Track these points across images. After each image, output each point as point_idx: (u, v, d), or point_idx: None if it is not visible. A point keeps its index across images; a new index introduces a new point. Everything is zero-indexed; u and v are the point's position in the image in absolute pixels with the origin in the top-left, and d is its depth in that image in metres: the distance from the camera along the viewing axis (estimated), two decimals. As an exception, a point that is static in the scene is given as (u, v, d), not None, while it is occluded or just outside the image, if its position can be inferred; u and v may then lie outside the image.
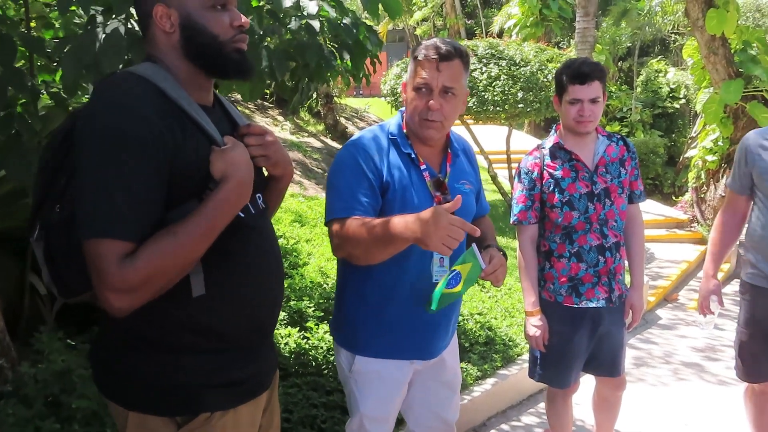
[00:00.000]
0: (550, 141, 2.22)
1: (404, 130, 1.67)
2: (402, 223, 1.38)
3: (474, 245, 1.52)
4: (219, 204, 1.11)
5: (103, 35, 1.74)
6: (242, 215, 1.21)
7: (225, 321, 1.20)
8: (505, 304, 4.09)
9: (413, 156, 1.64)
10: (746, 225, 2.31)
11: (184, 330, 1.16)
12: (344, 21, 2.43)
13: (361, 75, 2.68)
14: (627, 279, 2.30)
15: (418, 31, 20.42)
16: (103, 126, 1.06)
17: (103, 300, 1.04)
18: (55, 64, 2.35)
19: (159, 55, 1.19)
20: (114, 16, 1.80)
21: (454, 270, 1.50)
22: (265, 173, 1.41)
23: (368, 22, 2.78)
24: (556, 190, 2.14)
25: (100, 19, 1.81)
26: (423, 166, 1.64)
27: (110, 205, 1.03)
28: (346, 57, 2.53)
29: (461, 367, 3.15)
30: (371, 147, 1.61)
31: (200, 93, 1.22)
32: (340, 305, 1.76)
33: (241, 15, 1.22)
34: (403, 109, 1.71)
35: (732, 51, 6.75)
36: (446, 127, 1.63)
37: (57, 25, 2.28)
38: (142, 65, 1.18)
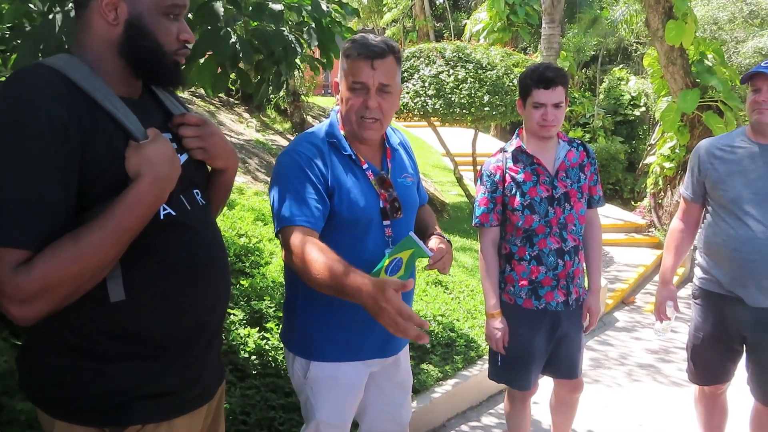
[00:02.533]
0: (512, 145, 2.24)
1: (341, 131, 1.63)
2: (358, 286, 1.27)
3: (411, 232, 1.54)
4: (130, 205, 1.02)
5: (62, 19, 1.69)
6: (173, 213, 1.14)
7: (153, 326, 1.12)
8: (468, 305, 4.12)
9: (354, 157, 1.61)
10: (699, 231, 2.37)
11: (109, 336, 1.09)
12: (307, 7, 2.39)
13: (329, 59, 2.63)
14: (585, 282, 2.34)
15: (388, 33, 20.48)
16: None
17: (3, 309, 0.97)
18: (9, 53, 2.25)
19: (87, 41, 1.11)
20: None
21: (396, 257, 1.52)
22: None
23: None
24: (517, 193, 2.16)
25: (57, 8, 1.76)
26: (365, 166, 1.62)
27: (1, 210, 0.96)
28: (312, 43, 2.48)
29: (422, 369, 3.16)
30: (312, 152, 1.57)
31: (125, 87, 1.15)
32: (292, 312, 1.72)
33: (188, 29, 1.16)
34: (337, 108, 1.68)
35: (689, 61, 6.97)
36: (384, 125, 1.61)
37: (4, 12, 2.18)
38: (57, 56, 1.10)
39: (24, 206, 0.97)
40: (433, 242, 1.68)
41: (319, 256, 1.37)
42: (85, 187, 1.03)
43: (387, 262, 1.52)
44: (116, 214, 1.01)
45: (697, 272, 2.35)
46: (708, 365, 2.34)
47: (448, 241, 1.71)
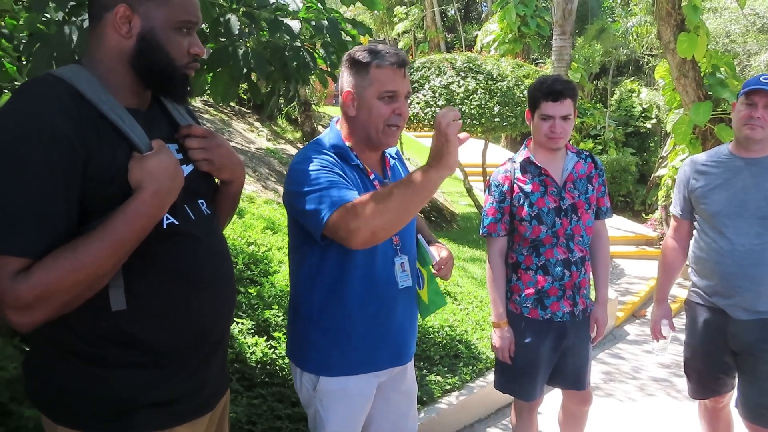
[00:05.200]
0: (520, 155, 2.24)
1: (346, 143, 1.63)
2: (421, 170, 1.33)
3: (420, 236, 1.59)
4: (130, 217, 1.03)
5: (77, 31, 1.71)
6: (177, 223, 1.15)
7: (155, 334, 1.13)
8: (476, 317, 4.09)
9: (362, 166, 1.63)
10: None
11: (112, 343, 1.10)
12: (324, 21, 2.40)
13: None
14: (592, 294, 2.32)
15: (400, 44, 20.61)
16: (3, 132, 1.00)
17: (4, 315, 0.99)
18: (24, 62, 2.29)
19: (98, 52, 1.13)
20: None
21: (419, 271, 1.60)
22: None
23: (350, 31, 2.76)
24: (525, 203, 2.16)
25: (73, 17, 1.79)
26: (372, 176, 1.64)
27: (3, 218, 0.98)
28: (326, 57, 2.49)
29: (430, 380, 3.14)
30: (325, 156, 1.57)
31: (134, 98, 1.16)
32: (301, 326, 1.69)
33: (200, 43, 1.18)
34: (336, 118, 1.69)
35: (702, 74, 6.94)
36: (402, 130, 1.64)
37: (21, 22, 2.22)
38: (66, 67, 1.12)
39: (25, 215, 0.98)
40: (435, 250, 1.70)
41: (369, 194, 1.39)
42: (88, 198, 1.05)
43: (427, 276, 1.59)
44: (115, 226, 1.02)
45: (689, 286, 2.35)
46: (701, 378, 2.32)
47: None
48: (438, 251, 1.67)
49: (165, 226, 1.13)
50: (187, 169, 1.21)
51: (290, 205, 1.56)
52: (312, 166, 1.53)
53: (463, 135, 1.32)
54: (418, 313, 1.77)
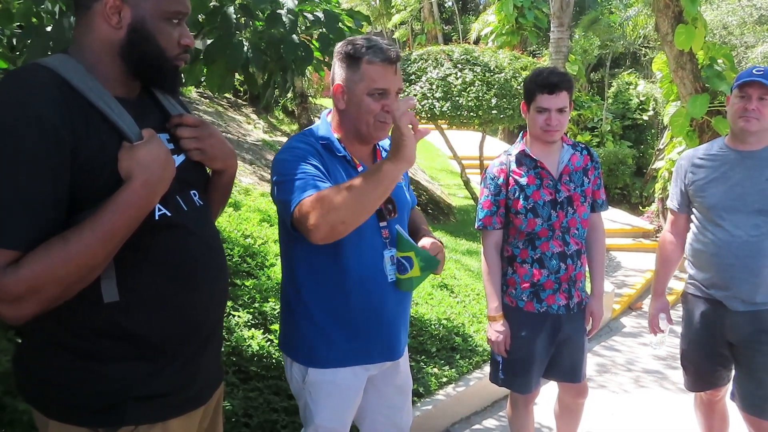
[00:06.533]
0: (516, 148, 2.23)
1: (335, 135, 1.62)
2: (379, 162, 1.33)
3: (398, 226, 1.61)
4: (120, 207, 1.01)
5: (73, 21, 1.70)
6: (169, 214, 1.13)
7: (147, 326, 1.12)
8: (473, 309, 4.10)
9: (349, 158, 1.62)
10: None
11: (104, 336, 1.09)
12: (319, 13, 2.39)
13: None
14: (588, 287, 2.32)
15: (396, 35, 20.53)
16: None
17: None
18: (18, 53, 2.27)
19: (87, 42, 1.11)
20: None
21: (403, 255, 1.60)
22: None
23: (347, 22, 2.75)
24: (520, 196, 2.15)
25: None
26: (360, 168, 1.63)
27: None
28: (323, 49, 2.48)
29: (426, 372, 3.15)
30: (308, 148, 1.57)
31: (122, 88, 1.14)
32: (293, 317, 1.69)
33: (189, 34, 1.17)
34: (328, 110, 1.68)
35: (699, 66, 6.92)
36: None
37: (14, 11, 2.20)
38: (53, 56, 1.09)
39: (13, 207, 0.97)
40: (426, 241, 1.69)
41: (331, 188, 1.38)
42: (78, 188, 1.03)
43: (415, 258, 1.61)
44: (106, 216, 1.00)
45: (686, 278, 2.36)
46: (697, 370, 2.33)
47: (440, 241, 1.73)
48: (428, 243, 1.67)
49: (157, 218, 1.12)
50: (179, 159, 1.20)
51: (271, 194, 1.57)
52: (290, 156, 1.53)
53: (423, 128, 1.30)
54: (413, 286, 1.74)
